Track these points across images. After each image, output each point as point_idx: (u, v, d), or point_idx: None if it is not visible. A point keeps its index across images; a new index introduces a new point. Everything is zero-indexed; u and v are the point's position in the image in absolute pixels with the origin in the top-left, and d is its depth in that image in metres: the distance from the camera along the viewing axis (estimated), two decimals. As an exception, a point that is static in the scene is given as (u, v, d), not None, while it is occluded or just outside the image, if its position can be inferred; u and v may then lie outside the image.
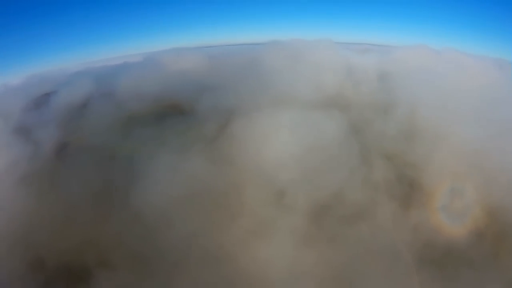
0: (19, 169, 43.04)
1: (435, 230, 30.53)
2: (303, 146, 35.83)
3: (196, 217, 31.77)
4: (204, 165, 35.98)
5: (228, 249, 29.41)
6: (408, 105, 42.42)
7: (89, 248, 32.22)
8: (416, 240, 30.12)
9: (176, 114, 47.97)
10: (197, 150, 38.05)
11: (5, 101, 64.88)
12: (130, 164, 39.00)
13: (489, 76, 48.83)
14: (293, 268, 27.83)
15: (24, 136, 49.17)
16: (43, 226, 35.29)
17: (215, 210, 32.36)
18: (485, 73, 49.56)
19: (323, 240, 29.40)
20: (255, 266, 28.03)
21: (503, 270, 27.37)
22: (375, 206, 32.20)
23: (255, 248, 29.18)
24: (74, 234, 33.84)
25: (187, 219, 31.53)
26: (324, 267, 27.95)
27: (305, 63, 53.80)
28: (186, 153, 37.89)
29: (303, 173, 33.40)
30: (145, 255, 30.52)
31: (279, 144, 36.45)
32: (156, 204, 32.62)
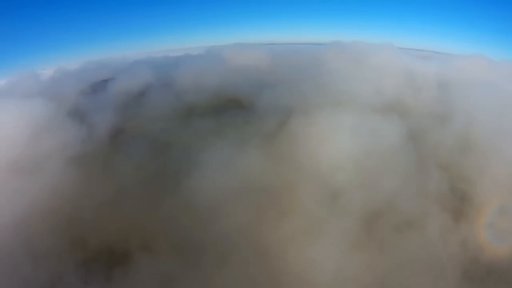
0: (71, 150, 50.53)
1: (480, 247, 33.09)
2: (360, 149, 39.46)
3: (247, 212, 35.46)
4: (260, 160, 40.59)
5: (276, 247, 32.52)
6: (465, 116, 45.55)
7: (133, 232, 36.80)
8: (462, 255, 32.80)
9: (235, 108, 55.11)
10: (255, 145, 43.01)
11: (61, 85, 77.89)
12: (185, 154, 44.90)
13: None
14: (339, 272, 30.40)
15: (79, 119, 58.26)
16: (90, 206, 40.38)
17: (267, 206, 36.07)
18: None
19: (371, 246, 32.08)
20: (301, 266, 31.19)
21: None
22: (426, 216, 34.80)
23: (303, 248, 31.89)
24: (120, 217, 38.72)
25: (237, 212, 35.31)
26: (370, 274, 30.41)
27: (366, 66, 60.07)
28: (243, 147, 42.60)
29: (358, 177, 36.61)
30: (190, 245, 34.22)
31: (337, 145, 40.31)
32: (207, 195, 36.93)
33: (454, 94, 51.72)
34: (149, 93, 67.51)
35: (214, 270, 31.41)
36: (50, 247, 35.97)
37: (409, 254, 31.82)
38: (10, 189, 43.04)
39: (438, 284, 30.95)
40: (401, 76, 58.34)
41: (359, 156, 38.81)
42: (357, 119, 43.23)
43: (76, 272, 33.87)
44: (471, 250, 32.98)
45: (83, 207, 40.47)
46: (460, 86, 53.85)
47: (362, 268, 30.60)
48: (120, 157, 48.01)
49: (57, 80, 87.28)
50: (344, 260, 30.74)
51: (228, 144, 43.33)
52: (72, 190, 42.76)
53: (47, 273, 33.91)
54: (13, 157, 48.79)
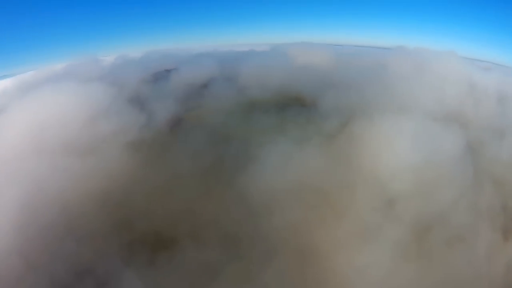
0: (128, 135, 53.89)
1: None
2: (419, 158, 40.05)
3: (300, 210, 36.88)
4: (318, 160, 41.96)
5: (325, 248, 33.84)
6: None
7: (182, 220, 38.56)
8: (509, 276, 33.51)
9: (298, 106, 57.68)
10: (315, 144, 44.73)
11: (122, 72, 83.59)
12: (244, 148, 46.95)
13: None
14: (385, 281, 31.52)
15: (138, 106, 62.39)
16: (142, 191, 42.74)
17: (321, 207, 37.41)
18: None
19: (421, 257, 32.81)
20: (348, 271, 32.43)
21: None
22: (476, 233, 35.35)
23: (352, 253, 32.91)
24: (171, 204, 40.72)
25: (290, 210, 36.86)
26: (416, 286, 31.37)
27: (429, 73, 61.46)
28: (303, 146, 44.39)
29: (414, 186, 36.99)
30: (238, 238, 35.77)
31: (396, 151, 41.17)
32: (262, 190, 38.67)
33: (514, 109, 53.08)
34: (212, 86, 71.35)
35: (260, 266, 32.48)
36: (95, 227, 38.38)
37: (456, 270, 32.42)
38: (62, 168, 45.88)
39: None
40: (462, 86, 59.31)
41: (417, 165, 39.30)
42: (418, 127, 44.22)
43: (118, 253, 35.80)
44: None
45: (135, 191, 42.84)
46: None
47: (408, 279, 31.43)
48: (178, 146, 51.15)
49: (118, 67, 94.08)
50: (392, 270, 31.59)
51: (288, 141, 45.21)
52: (125, 174, 45.64)
53: (89, 252, 35.97)
54: (68, 138, 52.35)
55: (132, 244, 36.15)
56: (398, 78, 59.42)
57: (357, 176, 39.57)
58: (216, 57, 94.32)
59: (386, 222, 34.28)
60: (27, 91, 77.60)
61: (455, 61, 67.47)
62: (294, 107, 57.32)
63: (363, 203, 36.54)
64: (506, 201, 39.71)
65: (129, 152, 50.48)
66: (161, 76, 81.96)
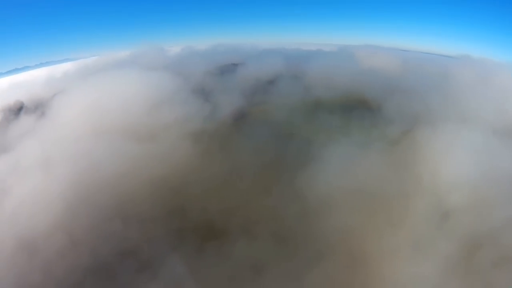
0: (191, 125, 57.41)
1: None
2: (478, 172, 40.19)
3: (354, 215, 38.11)
4: (379, 165, 43.35)
5: (375, 255, 34.72)
6: None
7: (236, 212, 40.81)
8: None
9: (362, 109, 59.31)
10: (376, 149, 46.16)
11: (188, 63, 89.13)
12: (306, 147, 49.18)
13: None
14: None
15: (203, 97, 66.23)
16: (199, 180, 45.59)
17: (376, 213, 38.37)
18: None
19: (469, 274, 32.18)
20: (397, 279, 32.81)
21: None
22: None
23: (402, 262, 33.65)
24: (226, 196, 43.38)
25: (345, 213, 38.05)
26: None
27: (492, 85, 62.42)
28: (365, 150, 45.88)
29: (471, 201, 37.15)
30: (290, 236, 37.42)
31: (456, 163, 41.67)
32: (320, 190, 40.27)
33: None
34: (278, 82, 75.12)
35: (308, 266, 34.00)
36: (146, 211, 41.39)
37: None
38: (120, 151, 49.99)
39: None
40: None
41: (477, 179, 39.67)
42: (479, 140, 45.07)
43: (167, 238, 38.61)
44: None
45: (192, 180, 45.91)
46: None
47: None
48: (240, 139, 54.05)
49: (184, 58, 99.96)
50: (439, 284, 32.05)
51: (351, 144, 46.99)
52: (184, 163, 48.71)
53: (136, 235, 38.94)
54: (129, 123, 56.89)
55: (182, 231, 39.09)
56: (461, 87, 60.77)
57: (415, 186, 40.94)
58: (284, 54, 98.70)
59: (439, 235, 35.05)
60: (90, 75, 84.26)
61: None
62: (359, 109, 59.15)
63: (418, 214, 37.83)
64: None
65: (190, 141, 53.47)
66: (227, 69, 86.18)
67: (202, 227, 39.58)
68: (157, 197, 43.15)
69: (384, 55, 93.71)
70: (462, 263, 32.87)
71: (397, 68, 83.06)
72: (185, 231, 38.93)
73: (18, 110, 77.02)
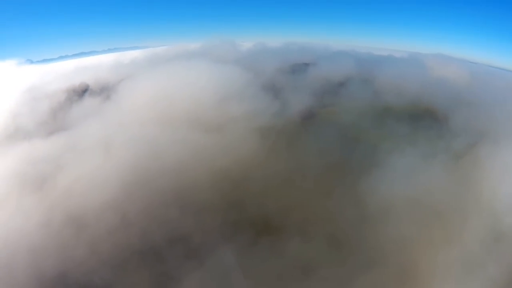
0: (258, 120, 60.90)
1: None
2: None
3: (412, 225, 39.02)
4: (441, 178, 44.65)
5: (424, 269, 35.86)
6: None
7: (295, 211, 43.03)
8: None
9: (430, 119, 61.79)
10: (441, 162, 47.73)
11: (260, 59, 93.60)
12: (371, 151, 51.25)
13: None
14: None
15: (273, 94, 70.13)
16: (261, 176, 48.20)
17: (432, 226, 39.26)
18: None
19: None
20: None
21: None
22: None
23: (451, 280, 34.37)
24: (287, 193, 45.79)
25: (402, 223, 39.20)
26: None
27: None
28: (429, 161, 47.63)
29: None
30: (345, 239, 38.97)
31: None
32: (381, 197, 41.89)
33: None
34: (348, 85, 78.73)
35: (357, 273, 35.03)
36: (204, 201, 44.05)
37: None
38: (184, 140, 53.64)
39: None
40: None
41: None
42: None
43: (221, 229, 41.16)
44: None
45: (253, 174, 48.62)
46: None
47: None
48: (307, 139, 56.95)
49: (256, 54, 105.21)
50: None
51: (415, 153, 48.96)
52: (247, 156, 51.55)
53: (190, 222, 41.57)
54: (195, 113, 61.13)
55: (237, 224, 41.34)
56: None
57: (474, 203, 41.31)
58: (355, 57, 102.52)
59: (489, 258, 34.84)
60: (159, 63, 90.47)
61: None
62: (426, 119, 61.69)
63: (473, 232, 37.74)
64: None
65: (256, 136, 56.43)
66: (299, 68, 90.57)
67: (258, 222, 41.94)
68: (217, 188, 45.81)
69: (453, 65, 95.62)
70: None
71: (465, 80, 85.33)
72: (240, 224, 41.31)
73: (82, 92, 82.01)
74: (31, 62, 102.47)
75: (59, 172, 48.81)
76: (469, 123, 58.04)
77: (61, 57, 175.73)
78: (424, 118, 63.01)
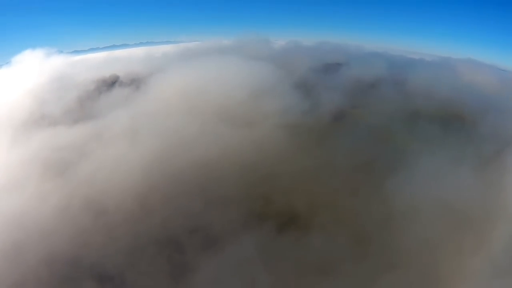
0: (289, 117, 62.64)
1: None
2: None
3: (437, 229, 39.21)
4: (468, 183, 44.72)
5: (447, 274, 36.00)
6: None
7: (320, 209, 43.91)
8: None
9: (459, 123, 62.74)
10: (469, 166, 47.98)
11: (293, 57, 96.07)
12: (400, 154, 52.00)
13: None
14: None
15: (304, 92, 71.74)
16: (288, 172, 49.52)
17: (457, 231, 39.33)
18: None
19: None
20: None
21: None
22: None
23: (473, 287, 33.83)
24: (313, 191, 46.75)
25: (427, 226, 39.20)
26: None
27: None
28: (457, 165, 47.92)
29: None
30: (367, 239, 39.64)
31: None
32: (407, 199, 42.30)
33: None
34: (380, 87, 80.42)
35: (379, 273, 35.47)
36: (230, 194, 45.45)
37: None
38: (212, 133, 55.41)
39: None
40: None
41: None
42: None
43: (244, 223, 42.07)
44: None
45: (281, 170, 49.93)
46: None
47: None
48: (336, 138, 58.06)
49: (289, 52, 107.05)
50: None
51: (444, 157, 49.53)
52: (276, 152, 52.90)
53: (215, 214, 42.84)
54: (225, 107, 63.28)
55: (260, 218, 42.65)
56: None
57: (500, 210, 41.43)
58: (387, 59, 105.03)
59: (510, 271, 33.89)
60: (191, 58, 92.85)
61: None
62: (455, 124, 62.62)
63: (499, 239, 37.66)
64: None
65: (285, 133, 58.05)
66: (331, 68, 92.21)
67: (282, 216, 43.31)
68: (243, 182, 46.96)
69: (483, 71, 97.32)
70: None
71: (495, 86, 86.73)
72: (263, 218, 42.58)
73: (112, 83, 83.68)
74: (61, 52, 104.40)
75: (82, 160, 50.98)
76: (498, 130, 58.84)
77: (92, 49, 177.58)
78: (453, 122, 64.09)
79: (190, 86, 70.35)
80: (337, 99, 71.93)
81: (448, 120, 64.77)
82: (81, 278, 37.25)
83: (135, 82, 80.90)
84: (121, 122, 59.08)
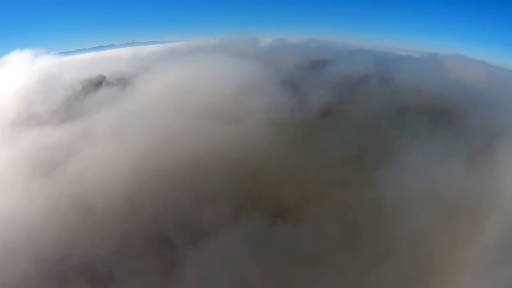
0: (276, 114, 63.37)
1: None
2: None
3: (427, 220, 39.85)
4: (458, 175, 45.39)
5: (439, 263, 36.39)
6: None
7: (310, 202, 44.48)
8: None
9: (447, 118, 63.28)
10: (457, 158, 48.66)
11: (279, 55, 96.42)
12: (388, 148, 52.77)
13: None
14: None
15: (292, 89, 72.19)
16: (277, 167, 50.23)
17: (448, 222, 39.98)
18: None
19: None
20: None
21: None
22: None
23: (465, 277, 34.56)
24: (303, 186, 47.25)
25: (418, 217, 39.90)
26: None
27: None
28: (446, 158, 48.60)
29: None
30: (362, 231, 40.19)
31: None
32: (398, 190, 42.87)
33: None
34: (367, 83, 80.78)
35: (371, 263, 36.19)
36: (219, 190, 45.68)
37: None
38: (199, 130, 55.87)
39: None
40: None
41: None
42: None
43: (234, 217, 42.42)
44: None
45: (270, 166, 50.62)
46: None
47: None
48: (324, 134, 58.69)
49: (276, 49, 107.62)
50: None
51: (435, 149, 50.38)
52: (265, 147, 53.48)
53: (203, 210, 43.19)
54: (213, 105, 63.86)
55: (251, 211, 43.10)
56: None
57: (492, 199, 41.88)
58: (374, 56, 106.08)
59: (505, 258, 34.13)
60: (177, 57, 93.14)
61: None
62: (444, 117, 63.47)
63: (489, 229, 37.98)
64: None
65: (273, 129, 58.63)
66: (318, 65, 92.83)
67: (271, 210, 44.01)
68: (231, 178, 47.52)
69: (471, 67, 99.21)
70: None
71: (482, 81, 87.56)
72: (252, 213, 42.86)
73: (99, 83, 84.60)
74: (48, 53, 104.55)
75: (70, 159, 51.22)
76: (487, 122, 59.65)
77: (78, 50, 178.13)
78: (442, 116, 64.90)
79: (177, 84, 71.17)
80: (324, 95, 72.81)
81: (437, 114, 65.75)
82: (70, 277, 37.46)
83: (122, 82, 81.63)
84: (108, 121, 59.72)
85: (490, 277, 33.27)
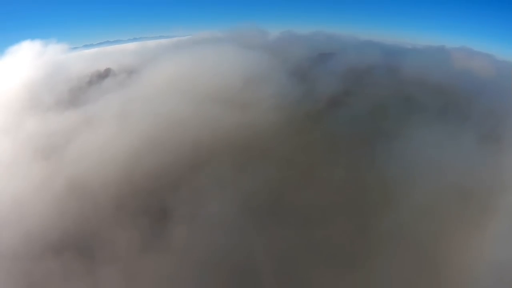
0: (284, 103, 64.07)
1: None
2: None
3: (439, 201, 40.70)
4: (465, 161, 45.70)
5: (444, 246, 36.40)
6: None
7: (316, 182, 45.20)
8: None
9: (455, 107, 63.66)
10: (466, 143, 49.40)
11: (287, 46, 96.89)
12: (394, 139, 52.20)
13: None
14: None
15: (299, 80, 72.85)
16: (282, 152, 50.91)
17: (460, 203, 40.75)
18: None
19: None
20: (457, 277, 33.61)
21: None
22: None
23: (469, 259, 34.49)
24: (304, 171, 47.83)
25: (430, 199, 40.66)
26: None
27: None
28: (455, 140, 49.63)
29: None
30: (364, 221, 40.23)
31: None
32: (406, 172, 43.98)
33: None
34: (374, 74, 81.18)
35: (377, 244, 36.90)
36: (222, 173, 46.17)
37: None
38: (205, 115, 57.00)
39: None
40: None
41: None
42: None
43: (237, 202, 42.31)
44: None
45: (275, 152, 51.48)
46: None
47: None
48: (330, 124, 59.56)
49: (284, 41, 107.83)
50: None
51: (442, 133, 51.44)
52: (269, 134, 54.11)
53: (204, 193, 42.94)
54: (220, 92, 65.01)
55: (250, 206, 42.54)
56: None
57: (500, 181, 42.67)
58: (381, 48, 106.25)
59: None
60: (185, 48, 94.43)
61: None
62: (451, 107, 64.01)
63: (495, 212, 38.63)
64: None
65: (280, 115, 59.81)
66: (325, 56, 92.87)
67: (276, 202, 43.92)
68: (234, 162, 48.08)
69: (478, 59, 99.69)
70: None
71: (489, 74, 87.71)
72: (252, 200, 43.01)
73: (106, 75, 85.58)
74: (58, 43, 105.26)
75: (70, 144, 52.40)
76: (493, 108, 60.50)
77: (86, 46, 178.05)
78: (449, 106, 65.63)
79: (184, 71, 72.66)
80: (331, 86, 73.18)
81: (444, 105, 66.30)
82: (61, 250, 38.30)
83: (127, 71, 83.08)
84: (111, 107, 61.27)
85: (499, 259, 33.10)
